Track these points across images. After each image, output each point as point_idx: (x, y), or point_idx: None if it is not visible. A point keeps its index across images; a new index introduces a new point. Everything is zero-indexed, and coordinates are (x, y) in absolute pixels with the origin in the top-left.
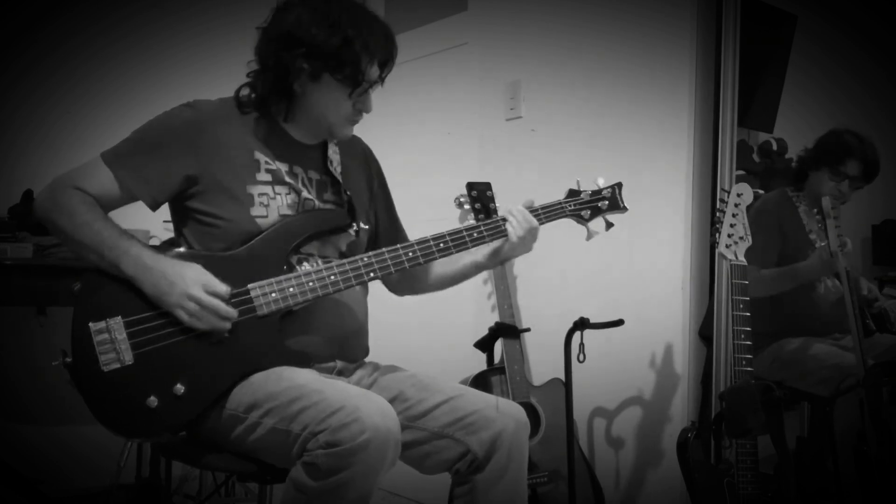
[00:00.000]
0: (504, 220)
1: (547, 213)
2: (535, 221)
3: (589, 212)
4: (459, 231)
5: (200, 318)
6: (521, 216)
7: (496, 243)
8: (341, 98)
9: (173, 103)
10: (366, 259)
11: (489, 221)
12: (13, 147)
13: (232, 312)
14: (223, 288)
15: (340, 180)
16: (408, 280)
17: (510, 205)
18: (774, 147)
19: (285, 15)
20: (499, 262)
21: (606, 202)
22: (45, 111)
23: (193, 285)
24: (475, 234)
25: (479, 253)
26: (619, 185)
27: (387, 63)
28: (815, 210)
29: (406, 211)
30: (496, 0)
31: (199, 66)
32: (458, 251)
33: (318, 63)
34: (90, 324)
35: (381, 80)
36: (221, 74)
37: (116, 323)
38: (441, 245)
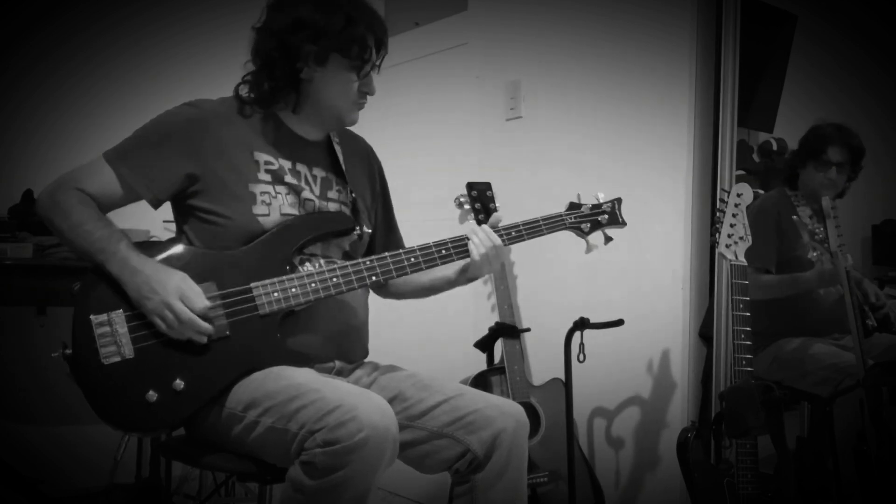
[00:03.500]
0: (466, 238)
1: (547, 225)
2: (497, 240)
3: (589, 225)
4: (462, 238)
5: (175, 329)
6: (482, 235)
7: (464, 261)
8: (349, 80)
9: (174, 103)
10: (368, 262)
11: (456, 238)
12: (13, 147)
13: (207, 328)
14: (200, 304)
15: (347, 179)
16: (391, 286)
17: (516, 213)
18: (774, 147)
19: (283, 8)
20: (466, 281)
21: (606, 216)
22: (45, 111)
23: (173, 295)
24: (443, 252)
25: (450, 269)
26: (619, 200)
27: (382, 42)
28: (810, 213)
29: (406, 211)
30: (496, 0)
31: (200, 65)
32: (459, 258)
33: (325, 43)
34: (91, 316)
35: (379, 66)
36: (222, 74)
37: (118, 316)
38: (443, 251)
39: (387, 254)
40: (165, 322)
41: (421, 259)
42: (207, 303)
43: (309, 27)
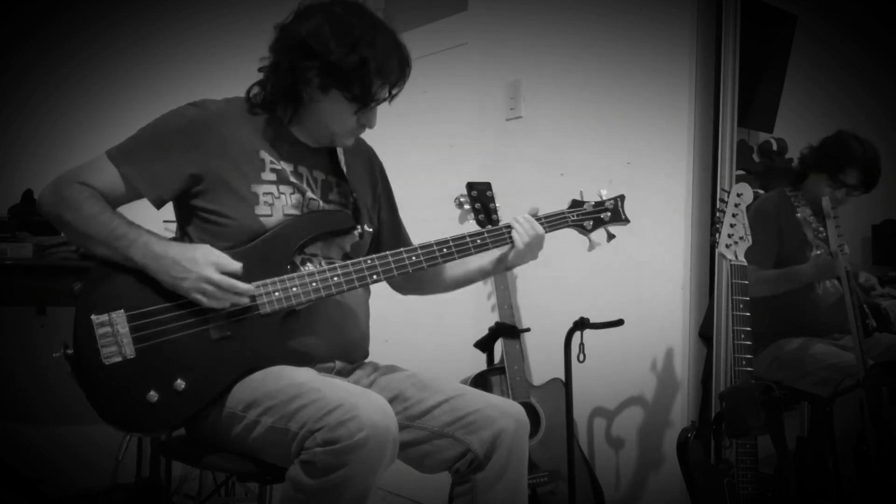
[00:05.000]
0: (509, 227)
1: (550, 223)
2: (540, 229)
3: (591, 222)
4: (463, 237)
5: (219, 299)
6: (527, 224)
7: (502, 250)
8: (346, 113)
9: (174, 104)
10: (369, 261)
11: (493, 229)
12: (13, 147)
13: (249, 288)
14: (236, 265)
15: (346, 179)
16: (413, 281)
17: (516, 213)
18: (774, 147)
19: (306, 21)
20: (504, 269)
21: (609, 213)
22: (45, 111)
23: (207, 267)
24: (479, 241)
25: (486, 259)
26: (622, 196)
27: (398, 85)
28: (811, 213)
29: (406, 211)
30: (496, 0)
31: (201, 65)
32: (461, 257)
33: (329, 79)
34: (92, 316)
35: (391, 99)
36: (223, 74)
37: (119, 316)
38: (444, 250)
39: (387, 252)
40: (207, 295)
41: (422, 257)
42: (240, 264)
43: (320, 58)
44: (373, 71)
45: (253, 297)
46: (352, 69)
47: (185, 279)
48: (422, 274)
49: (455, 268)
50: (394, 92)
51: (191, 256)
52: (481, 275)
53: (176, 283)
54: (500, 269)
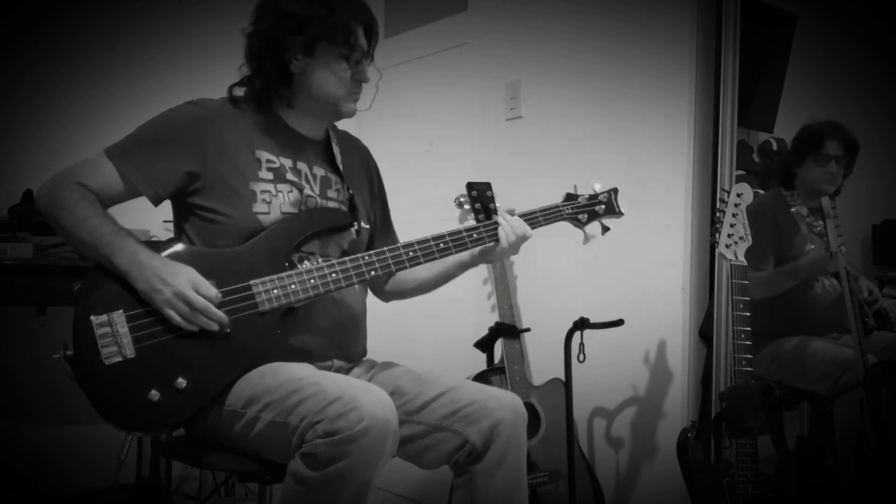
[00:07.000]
0: (497, 224)
1: (545, 216)
2: (528, 231)
3: (586, 216)
4: (459, 232)
5: (189, 319)
6: (515, 223)
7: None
8: (340, 68)
9: (173, 103)
10: (367, 257)
11: (488, 223)
12: (13, 147)
13: (222, 317)
14: (214, 292)
15: (343, 176)
16: (395, 284)
17: (504, 211)
18: (774, 147)
19: (266, 7)
20: (484, 262)
21: (603, 206)
22: (45, 111)
23: (185, 286)
24: (475, 236)
25: (465, 252)
26: (616, 190)
27: (371, 29)
28: (807, 213)
29: (406, 211)
30: (496, 0)
31: (200, 65)
32: (458, 251)
33: (310, 33)
34: (92, 317)
35: (371, 53)
36: (222, 74)
37: (118, 316)
38: (441, 245)
39: (385, 248)
40: (178, 312)
41: (419, 252)
42: (218, 293)
43: (292, 19)
44: (346, 13)
45: (252, 296)
46: (325, 16)
47: (160, 291)
48: (400, 277)
49: (432, 267)
50: (371, 41)
51: (173, 271)
52: (460, 269)
53: (151, 295)
54: (479, 263)
